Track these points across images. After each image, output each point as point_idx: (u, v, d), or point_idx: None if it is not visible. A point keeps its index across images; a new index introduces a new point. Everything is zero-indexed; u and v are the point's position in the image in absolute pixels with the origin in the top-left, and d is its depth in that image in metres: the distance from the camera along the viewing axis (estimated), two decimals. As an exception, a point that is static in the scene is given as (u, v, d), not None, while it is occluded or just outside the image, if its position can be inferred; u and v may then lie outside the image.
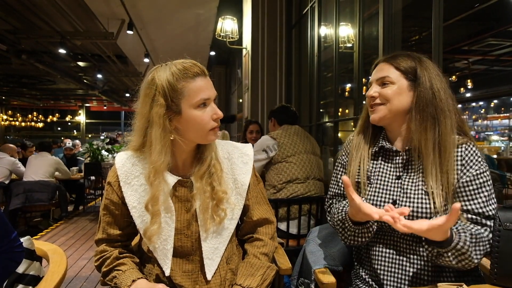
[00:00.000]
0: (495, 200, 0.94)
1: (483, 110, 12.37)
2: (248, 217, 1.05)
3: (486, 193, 0.92)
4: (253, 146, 1.13)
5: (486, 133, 11.66)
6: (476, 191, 0.92)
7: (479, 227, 0.92)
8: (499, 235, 0.90)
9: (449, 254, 0.87)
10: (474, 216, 0.92)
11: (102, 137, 8.26)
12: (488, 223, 0.92)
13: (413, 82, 0.98)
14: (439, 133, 0.93)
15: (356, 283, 1.07)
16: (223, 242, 0.99)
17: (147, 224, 0.94)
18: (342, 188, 1.11)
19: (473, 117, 12.39)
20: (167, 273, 0.96)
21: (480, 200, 0.92)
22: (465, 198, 0.93)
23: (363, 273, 1.05)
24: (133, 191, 0.97)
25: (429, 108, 0.94)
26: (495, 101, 11.56)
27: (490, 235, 0.91)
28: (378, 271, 1.00)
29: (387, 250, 1.00)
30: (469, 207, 0.93)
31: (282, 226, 2.18)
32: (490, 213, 0.92)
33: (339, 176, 1.14)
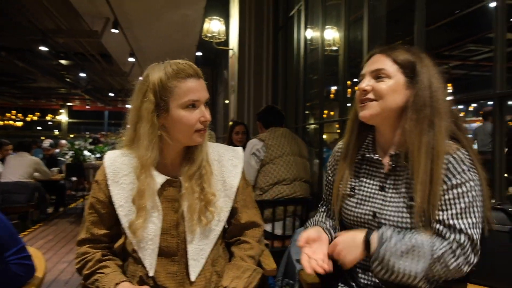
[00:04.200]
0: (477, 215, 0.83)
1: (463, 113, 12.76)
2: (236, 220, 1.05)
3: (462, 205, 0.83)
4: (239, 147, 1.13)
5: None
6: (451, 201, 0.84)
7: (440, 239, 0.83)
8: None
9: (377, 266, 0.83)
10: (441, 227, 0.84)
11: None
12: (457, 237, 0.82)
13: (410, 79, 0.90)
14: (434, 137, 0.86)
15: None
16: (209, 244, 0.99)
17: (132, 219, 0.95)
18: (330, 196, 1.08)
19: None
20: (151, 273, 0.95)
21: (453, 212, 0.84)
22: (439, 208, 0.85)
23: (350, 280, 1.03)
24: (121, 189, 0.97)
25: (426, 109, 0.87)
26: (474, 105, 11.93)
27: (458, 251, 0.81)
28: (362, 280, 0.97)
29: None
30: (440, 218, 0.84)
31: (267, 227, 2.18)
32: (463, 226, 0.82)
33: (329, 182, 1.10)
